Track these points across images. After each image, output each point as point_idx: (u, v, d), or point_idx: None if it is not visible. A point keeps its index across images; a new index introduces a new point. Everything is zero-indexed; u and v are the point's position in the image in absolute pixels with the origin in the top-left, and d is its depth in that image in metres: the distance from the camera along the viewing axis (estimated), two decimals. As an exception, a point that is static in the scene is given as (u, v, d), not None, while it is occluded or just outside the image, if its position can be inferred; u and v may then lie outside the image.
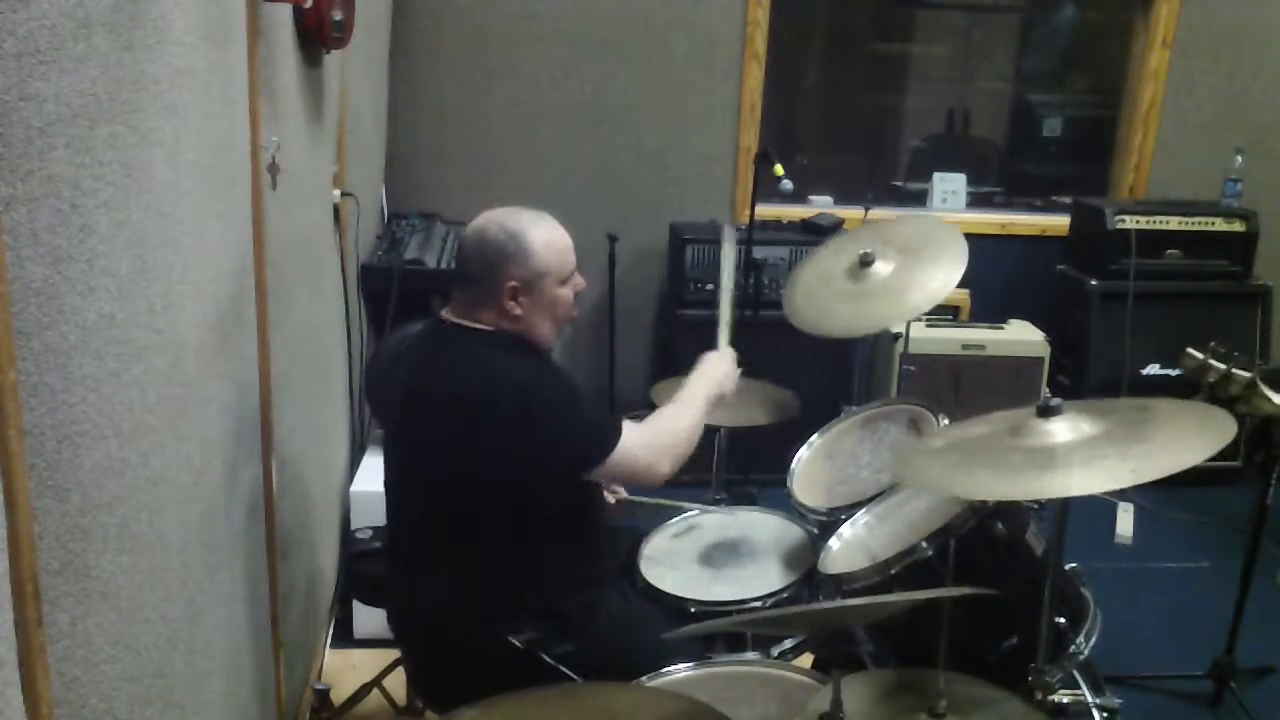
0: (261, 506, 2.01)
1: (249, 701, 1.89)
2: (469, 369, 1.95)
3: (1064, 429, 1.59)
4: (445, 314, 2.02)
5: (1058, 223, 4.51)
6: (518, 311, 1.95)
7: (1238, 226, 4.16)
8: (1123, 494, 3.71)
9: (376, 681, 2.48)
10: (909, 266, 2.47)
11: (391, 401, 2.04)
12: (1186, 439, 1.54)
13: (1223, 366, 2.39)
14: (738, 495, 3.28)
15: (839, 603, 1.91)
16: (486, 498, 1.90)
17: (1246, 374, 2.38)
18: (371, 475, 2.92)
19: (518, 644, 1.91)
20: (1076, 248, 4.36)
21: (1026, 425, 1.62)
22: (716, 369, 2.26)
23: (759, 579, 2.20)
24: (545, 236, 1.96)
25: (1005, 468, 1.59)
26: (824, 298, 2.55)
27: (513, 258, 1.93)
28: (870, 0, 4.88)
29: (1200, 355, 2.42)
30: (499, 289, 1.93)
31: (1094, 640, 1.87)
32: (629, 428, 1.96)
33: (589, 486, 2.06)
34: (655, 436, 2.01)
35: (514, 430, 1.87)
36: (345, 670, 2.69)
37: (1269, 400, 2.39)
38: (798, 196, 3.76)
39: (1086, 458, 1.54)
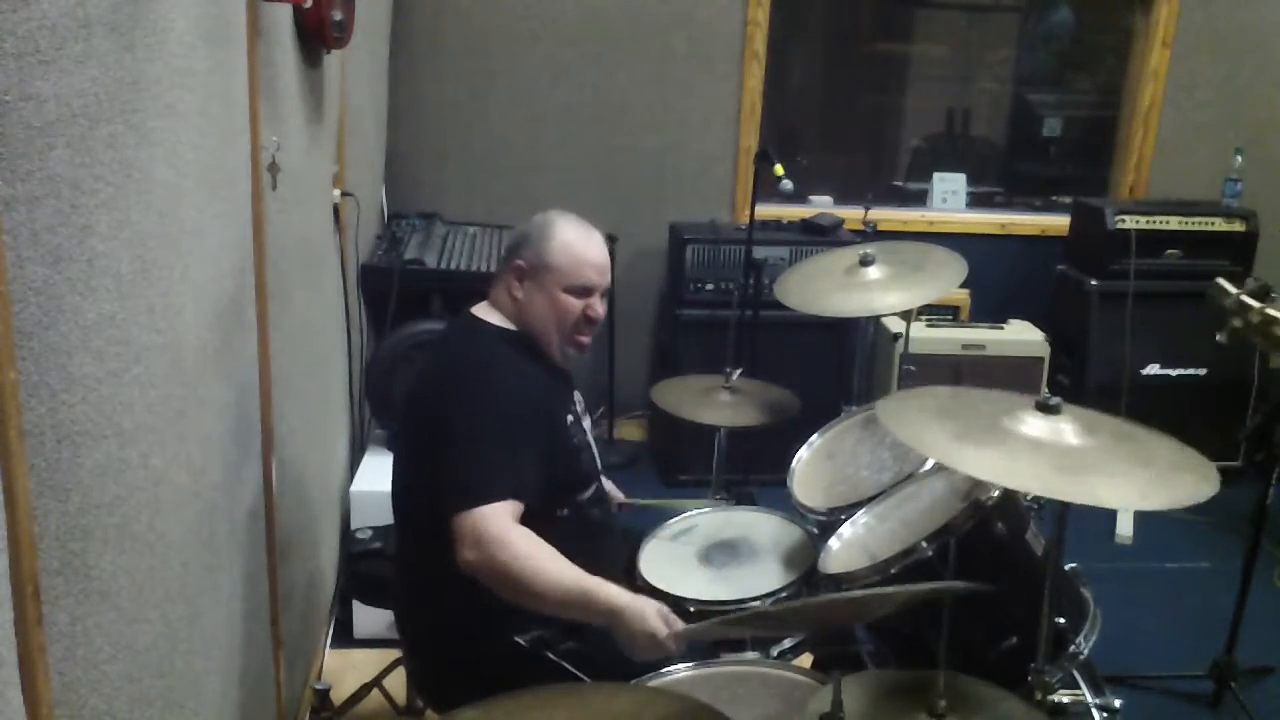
0: (261, 506, 2.01)
1: (249, 701, 1.89)
2: (443, 365, 2.00)
3: (1050, 429, 1.58)
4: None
5: (1058, 223, 4.51)
6: (518, 294, 2.00)
7: (1238, 226, 4.16)
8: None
9: (376, 681, 2.48)
10: (905, 273, 2.58)
11: (398, 399, 2.08)
12: (1178, 475, 1.54)
13: (1257, 304, 2.20)
14: (738, 495, 3.28)
15: (834, 595, 1.91)
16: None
17: None
18: (371, 475, 2.93)
19: (523, 643, 1.91)
20: (1076, 248, 4.36)
21: (1020, 414, 1.62)
22: (642, 624, 1.73)
23: (759, 579, 2.20)
24: (569, 238, 2.00)
25: (1008, 453, 1.56)
26: (817, 284, 2.67)
27: (531, 241, 2.01)
28: (870, 0, 4.88)
29: (1233, 290, 2.23)
30: (510, 266, 2.01)
31: (1094, 640, 1.87)
32: (502, 516, 1.75)
33: (577, 488, 2.04)
34: (514, 556, 1.72)
35: (428, 431, 1.91)
36: (345, 670, 2.68)
37: None
38: (798, 196, 3.76)
39: (1086, 466, 1.53)
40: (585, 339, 2.04)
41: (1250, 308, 2.20)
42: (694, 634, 1.77)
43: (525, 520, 1.81)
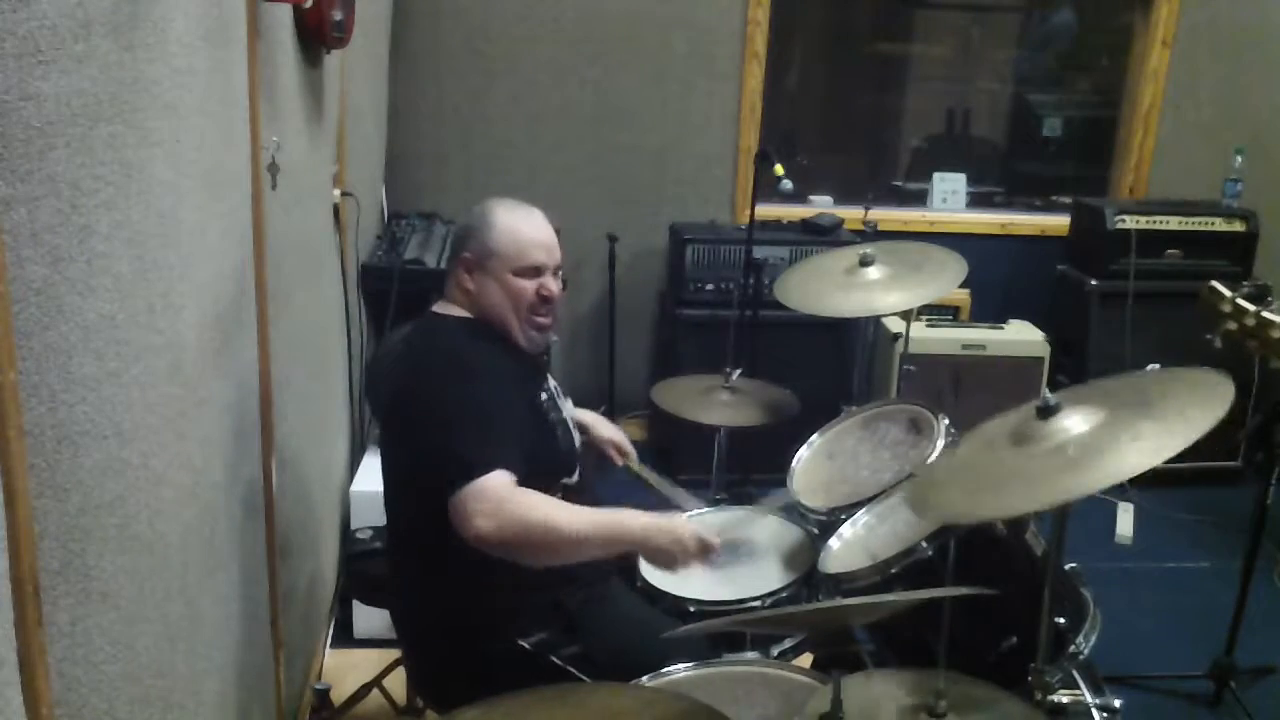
0: (261, 506, 2.01)
1: (249, 701, 1.89)
2: (412, 363, 2.00)
3: (1073, 424, 1.58)
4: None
5: (1058, 223, 4.51)
6: (469, 286, 2.00)
7: (1238, 226, 4.16)
8: (1123, 493, 3.71)
9: (376, 681, 2.48)
10: (905, 273, 2.59)
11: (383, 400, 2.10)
12: (1192, 406, 1.52)
13: (1252, 308, 2.17)
14: (738, 495, 3.28)
15: (838, 602, 1.91)
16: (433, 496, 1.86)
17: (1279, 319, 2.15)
18: (371, 475, 2.92)
19: (526, 646, 1.90)
20: (1076, 248, 4.36)
21: (1030, 428, 1.61)
22: (677, 530, 1.84)
23: (759, 579, 2.20)
24: (509, 222, 1.99)
25: (1028, 477, 1.55)
26: (818, 284, 2.67)
27: (472, 233, 2.00)
28: (870, 0, 4.88)
29: (1228, 293, 2.19)
30: (458, 261, 2.01)
31: (1094, 640, 1.87)
32: (508, 482, 1.75)
33: (560, 469, 2.02)
34: (522, 510, 1.74)
35: (412, 427, 1.93)
36: (345, 670, 2.69)
37: None
38: (798, 196, 3.76)
39: (1104, 447, 1.51)
40: (545, 319, 2.02)
41: (1246, 311, 2.18)
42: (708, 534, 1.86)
43: None
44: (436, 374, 1.94)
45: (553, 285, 2.01)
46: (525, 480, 1.82)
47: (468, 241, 2.00)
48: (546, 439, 2.00)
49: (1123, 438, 1.52)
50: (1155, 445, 1.46)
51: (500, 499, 1.73)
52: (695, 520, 2.41)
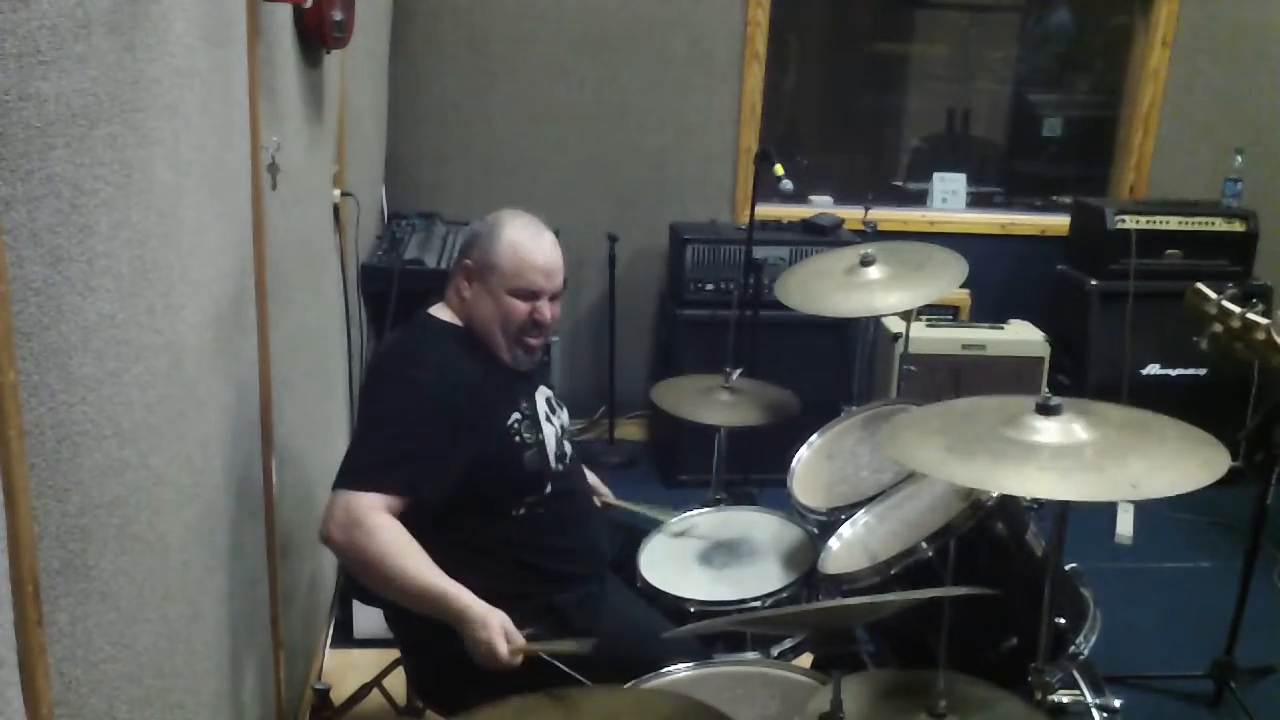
0: (261, 506, 2.01)
1: (249, 701, 1.89)
2: (375, 360, 2.07)
3: (1060, 430, 1.59)
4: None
5: (1058, 223, 4.51)
6: (466, 294, 2.00)
7: (1238, 226, 4.16)
8: (1123, 494, 3.71)
9: (376, 681, 2.47)
10: (905, 273, 2.59)
11: None
12: (1180, 463, 1.53)
13: (1237, 310, 2.18)
14: (738, 495, 3.28)
15: (838, 601, 1.91)
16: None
17: (1265, 321, 2.17)
18: (371, 475, 2.92)
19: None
20: (1076, 248, 4.36)
21: (1023, 420, 1.62)
22: (490, 623, 1.74)
23: (759, 579, 2.20)
24: (515, 238, 1.97)
25: (1003, 459, 1.56)
26: (818, 284, 2.68)
27: (478, 241, 1.99)
28: (870, 0, 4.88)
29: (1213, 295, 2.20)
30: (459, 266, 2.01)
31: (1094, 640, 1.87)
32: (378, 507, 1.77)
33: (525, 488, 2.00)
34: (367, 543, 1.75)
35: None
36: (345, 670, 2.68)
37: None
38: (798, 196, 3.75)
39: (1080, 463, 1.54)
40: (535, 342, 2.00)
41: (1231, 313, 2.19)
42: (532, 650, 1.74)
43: (478, 520, 1.84)
44: (385, 376, 1.97)
45: (548, 310, 1.98)
46: (477, 493, 1.87)
47: (472, 249, 1.99)
48: (507, 458, 1.96)
49: (1110, 464, 1.53)
50: (1140, 482, 1.48)
51: (356, 520, 1.75)
52: (690, 520, 2.42)
